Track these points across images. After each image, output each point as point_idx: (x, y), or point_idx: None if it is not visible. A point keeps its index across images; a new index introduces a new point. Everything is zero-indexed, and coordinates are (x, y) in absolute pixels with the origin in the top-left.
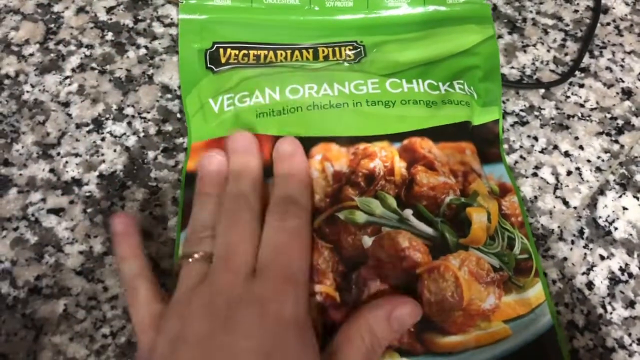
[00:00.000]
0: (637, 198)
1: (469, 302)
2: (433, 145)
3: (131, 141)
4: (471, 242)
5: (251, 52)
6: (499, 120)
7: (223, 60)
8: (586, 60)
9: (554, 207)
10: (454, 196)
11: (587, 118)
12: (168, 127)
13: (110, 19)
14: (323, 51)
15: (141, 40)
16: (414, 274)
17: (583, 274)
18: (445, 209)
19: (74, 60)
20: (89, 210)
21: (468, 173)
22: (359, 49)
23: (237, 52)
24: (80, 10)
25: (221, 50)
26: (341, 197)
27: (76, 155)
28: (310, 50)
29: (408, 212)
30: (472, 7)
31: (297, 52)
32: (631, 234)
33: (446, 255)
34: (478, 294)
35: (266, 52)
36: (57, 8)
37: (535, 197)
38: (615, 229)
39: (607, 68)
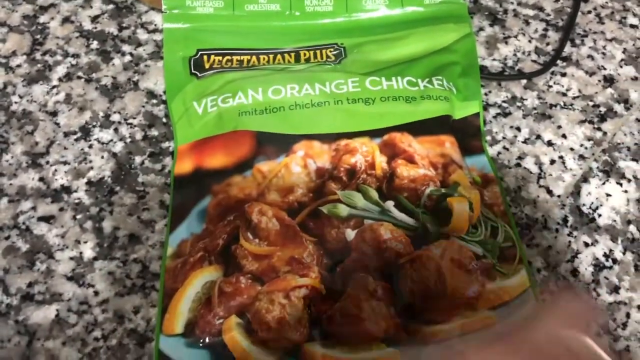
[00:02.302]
0: (621, 184)
1: (452, 290)
2: (413, 139)
3: (118, 147)
4: (453, 230)
5: (234, 57)
6: (479, 113)
7: (207, 65)
8: (568, 49)
9: (538, 196)
10: (434, 187)
11: (570, 107)
12: (154, 132)
13: (95, 28)
14: (304, 54)
15: (126, 48)
16: (397, 265)
17: (568, 261)
18: (426, 199)
19: (61, 70)
20: (78, 216)
21: (448, 165)
22: (339, 51)
23: (220, 57)
24: (66, 20)
25: (205, 57)
26: (324, 192)
27: (65, 163)
28: (292, 54)
29: (390, 204)
30: (449, 6)
31: (279, 56)
32: (615, 220)
33: (428, 244)
34: (461, 282)
35: (249, 57)
36: (42, 19)
37: (519, 187)
38: (599, 215)
39: (589, 56)
